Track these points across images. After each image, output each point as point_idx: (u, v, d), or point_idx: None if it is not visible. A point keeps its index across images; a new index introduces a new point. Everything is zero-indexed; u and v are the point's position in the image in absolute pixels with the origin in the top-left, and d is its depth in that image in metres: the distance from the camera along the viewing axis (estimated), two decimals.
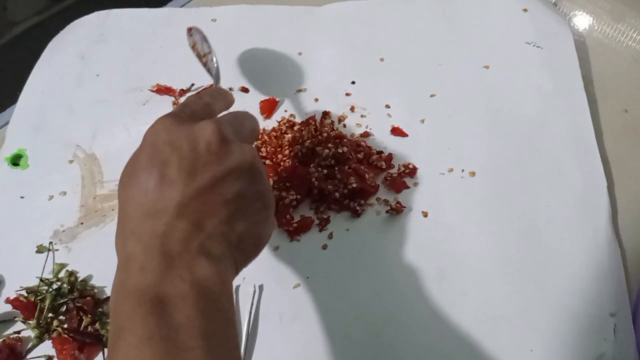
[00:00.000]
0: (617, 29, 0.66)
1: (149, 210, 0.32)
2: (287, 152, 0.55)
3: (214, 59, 0.51)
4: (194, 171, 0.33)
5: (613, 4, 0.68)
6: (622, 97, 0.60)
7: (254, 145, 0.41)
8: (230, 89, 0.63)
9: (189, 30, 0.56)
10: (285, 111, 0.60)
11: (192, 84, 0.63)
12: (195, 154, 0.33)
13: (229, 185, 0.34)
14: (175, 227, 0.32)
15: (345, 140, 0.55)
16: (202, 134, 0.34)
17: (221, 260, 0.33)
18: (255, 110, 0.61)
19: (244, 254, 0.35)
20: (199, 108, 0.39)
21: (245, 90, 0.63)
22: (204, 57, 0.54)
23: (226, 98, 0.43)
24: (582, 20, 0.68)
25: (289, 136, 0.56)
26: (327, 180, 0.53)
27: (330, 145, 0.54)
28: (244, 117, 0.40)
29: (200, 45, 0.55)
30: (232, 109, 0.43)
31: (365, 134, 0.58)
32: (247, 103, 0.61)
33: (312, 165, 0.54)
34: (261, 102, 0.61)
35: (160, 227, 0.32)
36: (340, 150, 0.53)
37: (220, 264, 0.33)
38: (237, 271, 0.35)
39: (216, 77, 0.50)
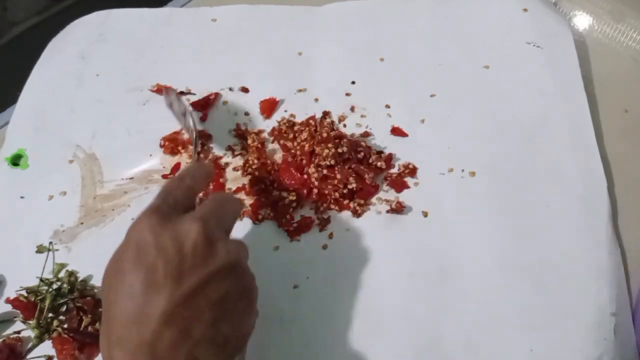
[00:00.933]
0: (617, 29, 0.66)
1: (135, 316, 0.32)
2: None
3: (191, 120, 0.51)
4: (180, 275, 0.33)
5: (613, 4, 0.68)
6: (622, 97, 0.60)
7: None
8: (230, 89, 0.63)
9: (165, 90, 0.56)
10: (285, 111, 0.60)
11: (190, 90, 0.63)
12: (181, 257, 0.33)
13: (215, 287, 0.34)
14: (162, 336, 0.32)
15: (345, 140, 0.55)
16: (188, 235, 0.34)
17: None
18: (255, 110, 0.61)
19: (229, 353, 0.35)
20: (182, 194, 0.38)
21: (245, 90, 0.62)
22: (183, 116, 0.53)
23: (207, 173, 0.42)
24: (582, 20, 0.68)
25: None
26: (326, 180, 0.53)
27: (330, 145, 0.54)
28: (226, 202, 0.39)
29: (177, 105, 0.55)
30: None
31: (365, 134, 0.58)
32: (247, 103, 0.61)
33: (311, 166, 0.54)
34: (261, 102, 0.61)
35: (147, 335, 0.31)
36: (340, 150, 0.53)
37: None
38: None
39: (195, 139, 0.50)
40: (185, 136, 0.59)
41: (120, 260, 0.34)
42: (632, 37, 0.65)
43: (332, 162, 0.53)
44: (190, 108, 0.51)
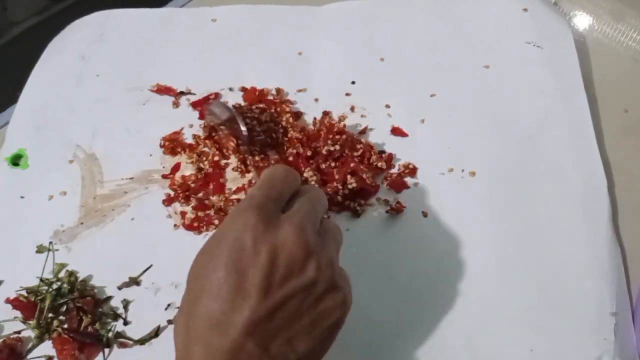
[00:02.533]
0: (617, 29, 0.66)
1: (218, 319, 0.32)
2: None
3: (242, 126, 0.50)
4: (269, 287, 0.32)
5: (613, 4, 0.68)
6: (622, 97, 0.60)
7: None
8: (231, 89, 0.63)
9: (208, 102, 0.56)
10: (286, 112, 0.60)
11: (190, 90, 0.63)
12: (273, 268, 0.32)
13: (300, 303, 0.33)
14: (242, 347, 0.31)
15: (344, 136, 0.55)
16: (284, 245, 0.33)
17: None
18: None
19: None
20: (286, 191, 0.37)
21: (245, 90, 0.62)
22: (229, 122, 0.52)
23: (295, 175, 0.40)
24: (582, 20, 0.68)
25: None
26: (325, 183, 0.53)
27: (329, 142, 0.54)
28: (319, 200, 0.38)
29: (221, 113, 0.54)
30: None
31: (363, 131, 0.58)
32: None
33: (308, 169, 0.53)
34: (244, 93, 0.62)
35: (227, 342, 0.31)
36: (332, 149, 0.54)
37: None
38: None
39: (247, 143, 0.49)
40: (187, 139, 0.59)
41: (213, 255, 0.33)
42: (632, 37, 0.65)
43: (330, 164, 0.53)
44: (236, 113, 0.51)
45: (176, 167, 0.57)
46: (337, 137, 0.55)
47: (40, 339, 0.47)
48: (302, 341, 0.33)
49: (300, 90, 0.62)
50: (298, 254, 0.33)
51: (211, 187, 0.56)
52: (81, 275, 0.51)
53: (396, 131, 0.58)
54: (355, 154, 0.55)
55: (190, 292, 0.34)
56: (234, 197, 0.55)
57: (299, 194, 0.38)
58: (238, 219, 0.34)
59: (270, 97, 0.61)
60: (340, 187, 0.53)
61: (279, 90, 0.62)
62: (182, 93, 0.63)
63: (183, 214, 0.54)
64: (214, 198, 0.55)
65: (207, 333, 0.32)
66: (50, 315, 0.48)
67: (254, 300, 0.32)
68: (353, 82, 0.62)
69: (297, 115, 0.59)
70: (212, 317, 0.32)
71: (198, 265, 0.34)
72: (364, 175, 0.53)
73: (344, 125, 0.58)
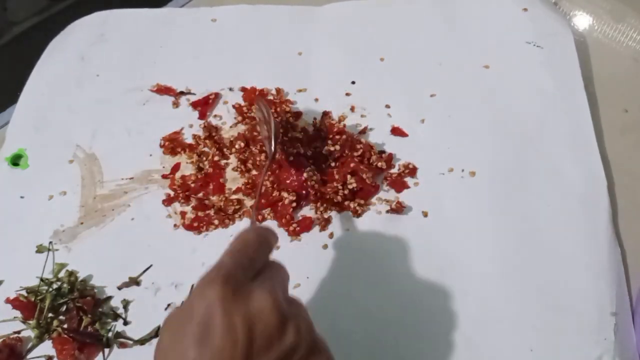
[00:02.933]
0: (617, 29, 0.66)
1: None
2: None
3: (273, 128, 0.49)
4: (247, 359, 0.30)
5: (613, 4, 0.68)
6: (622, 97, 0.60)
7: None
8: (230, 89, 0.63)
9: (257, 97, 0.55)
10: (286, 112, 0.60)
11: (190, 90, 0.63)
12: (251, 340, 0.30)
13: None
14: None
15: (344, 137, 0.55)
16: (260, 315, 0.31)
17: None
18: None
19: None
20: (259, 258, 0.35)
21: (245, 90, 0.62)
22: (265, 124, 0.52)
23: (275, 239, 0.38)
24: (582, 20, 0.68)
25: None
26: (326, 179, 0.53)
27: (329, 142, 0.54)
28: (280, 269, 0.36)
29: (262, 111, 0.53)
30: None
31: (363, 131, 0.58)
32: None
33: (308, 169, 0.53)
34: (243, 93, 0.62)
35: None
36: (332, 149, 0.54)
37: None
38: None
39: (273, 147, 0.49)
40: (187, 139, 0.59)
41: (183, 333, 0.30)
42: (632, 37, 0.65)
43: (329, 164, 0.54)
44: (271, 117, 0.50)
45: (176, 167, 0.57)
46: (337, 137, 0.56)
47: (40, 339, 0.47)
48: None
49: (300, 90, 0.62)
50: (275, 321, 0.31)
51: (211, 187, 0.56)
52: (81, 275, 0.51)
53: (396, 131, 0.58)
54: (355, 154, 0.55)
55: None
56: (233, 197, 0.55)
57: (265, 266, 0.36)
58: (206, 291, 0.31)
59: (270, 97, 0.61)
60: (340, 187, 0.53)
61: (278, 90, 0.62)
62: (182, 93, 0.63)
63: (183, 214, 0.54)
64: (213, 198, 0.55)
65: None
66: (50, 315, 0.48)
67: None
68: (353, 82, 0.62)
69: (297, 115, 0.59)
70: None
71: (165, 343, 0.32)
72: (364, 176, 0.53)
73: (344, 126, 0.58)
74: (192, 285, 0.50)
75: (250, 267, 0.34)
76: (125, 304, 0.49)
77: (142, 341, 0.47)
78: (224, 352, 0.29)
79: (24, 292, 0.49)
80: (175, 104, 0.62)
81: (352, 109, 0.60)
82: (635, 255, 0.50)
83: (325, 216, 0.53)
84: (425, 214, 0.52)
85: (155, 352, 0.32)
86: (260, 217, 0.53)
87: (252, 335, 0.30)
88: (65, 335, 0.47)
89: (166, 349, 0.31)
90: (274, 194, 0.53)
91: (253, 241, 0.35)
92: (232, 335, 0.30)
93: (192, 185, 0.56)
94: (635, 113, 0.59)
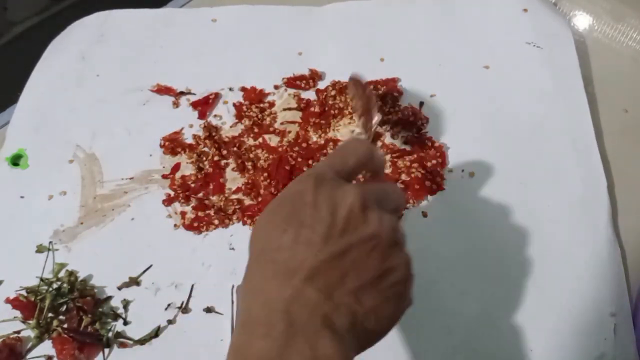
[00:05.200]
0: (617, 29, 0.66)
1: (279, 268, 0.32)
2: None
3: (376, 108, 0.49)
4: (329, 236, 0.32)
5: (613, 4, 0.68)
6: (622, 97, 0.60)
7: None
8: (231, 89, 0.63)
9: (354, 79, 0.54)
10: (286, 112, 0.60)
11: (190, 90, 0.63)
12: (333, 219, 0.32)
13: (363, 255, 0.32)
14: (302, 293, 0.31)
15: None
16: (344, 199, 0.33)
17: (344, 337, 0.31)
18: None
19: (367, 332, 0.33)
20: (352, 164, 0.37)
21: (245, 90, 0.62)
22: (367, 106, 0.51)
23: (378, 159, 0.40)
24: (582, 20, 0.68)
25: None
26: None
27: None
28: (392, 191, 0.37)
29: (360, 93, 0.53)
30: None
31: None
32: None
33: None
34: (244, 92, 0.62)
35: (287, 290, 0.31)
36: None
37: (343, 342, 0.31)
38: (357, 352, 0.33)
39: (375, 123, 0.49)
40: (187, 139, 0.59)
41: (275, 214, 0.34)
42: (632, 37, 0.65)
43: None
44: (374, 98, 0.51)
45: (176, 167, 0.57)
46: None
47: (39, 339, 0.47)
48: (369, 296, 0.32)
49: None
50: (357, 206, 0.33)
51: (211, 187, 0.56)
52: (81, 275, 0.51)
53: None
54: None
55: (253, 250, 0.34)
56: (233, 197, 0.55)
57: (375, 183, 0.38)
58: (299, 182, 0.35)
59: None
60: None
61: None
62: (182, 93, 0.63)
63: (183, 214, 0.54)
64: (213, 198, 0.55)
65: (267, 283, 0.32)
66: (50, 315, 0.48)
67: (315, 248, 0.31)
68: None
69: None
70: (273, 267, 0.32)
71: (260, 226, 0.35)
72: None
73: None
74: (192, 285, 0.50)
75: (343, 170, 0.36)
76: (125, 304, 0.49)
77: (142, 341, 0.47)
78: (307, 227, 0.32)
79: (23, 292, 0.49)
80: (175, 104, 0.62)
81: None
82: (635, 255, 0.50)
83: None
84: (425, 214, 0.52)
85: (250, 240, 0.35)
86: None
87: (335, 214, 0.32)
88: (65, 335, 0.47)
89: (259, 230, 0.34)
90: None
91: (350, 146, 0.38)
92: (317, 213, 0.32)
93: (192, 185, 0.56)
94: (635, 113, 0.59)
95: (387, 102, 0.58)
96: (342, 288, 0.31)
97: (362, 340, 0.33)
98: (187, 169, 0.57)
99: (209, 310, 0.49)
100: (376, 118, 0.48)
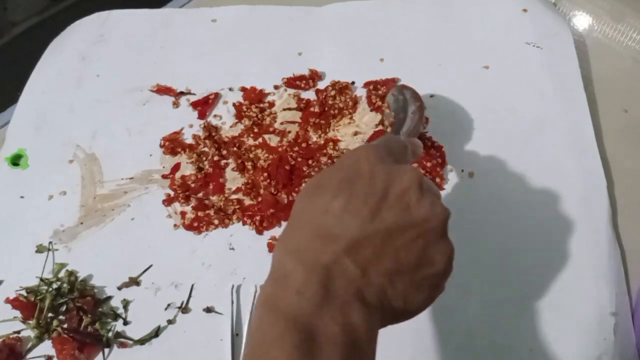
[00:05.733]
0: (617, 29, 0.66)
1: (322, 231, 0.31)
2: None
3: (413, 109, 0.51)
4: (378, 211, 0.31)
5: (613, 4, 0.68)
6: (622, 97, 0.60)
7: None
8: (230, 89, 0.63)
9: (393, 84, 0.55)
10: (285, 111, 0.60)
11: (190, 90, 0.63)
12: (386, 195, 0.32)
13: (407, 239, 0.31)
14: (340, 262, 0.30)
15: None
16: (401, 178, 0.32)
17: (373, 311, 0.31)
18: None
19: (394, 311, 0.32)
20: (400, 150, 0.38)
21: (245, 90, 0.62)
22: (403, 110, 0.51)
23: (419, 150, 0.42)
24: (582, 20, 0.68)
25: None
26: None
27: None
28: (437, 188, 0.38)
29: (400, 98, 0.53)
30: None
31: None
32: None
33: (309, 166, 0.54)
34: (244, 92, 0.62)
35: (326, 255, 0.30)
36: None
37: (372, 314, 0.31)
38: (382, 326, 0.33)
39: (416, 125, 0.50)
40: (187, 139, 0.59)
41: (328, 178, 0.33)
42: (632, 37, 0.65)
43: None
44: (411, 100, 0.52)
45: (176, 167, 0.57)
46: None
47: (39, 339, 0.47)
48: (403, 281, 0.32)
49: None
50: (413, 187, 0.32)
51: (211, 187, 0.56)
52: (81, 275, 0.51)
53: None
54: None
55: (297, 209, 0.34)
56: (233, 196, 0.55)
57: None
58: (357, 151, 0.34)
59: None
60: None
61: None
62: (182, 93, 0.63)
63: (183, 214, 0.54)
64: (213, 198, 0.55)
65: (307, 243, 0.31)
66: (50, 315, 0.48)
67: (361, 219, 0.31)
68: (353, 83, 0.62)
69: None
70: (317, 228, 0.31)
71: (310, 187, 0.34)
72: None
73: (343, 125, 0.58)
74: (192, 285, 0.50)
75: (392, 155, 0.36)
76: (125, 303, 0.49)
77: (142, 341, 0.47)
78: (359, 197, 0.31)
79: (23, 292, 0.49)
80: (175, 104, 0.62)
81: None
82: (634, 255, 0.50)
83: None
84: None
85: (296, 200, 0.34)
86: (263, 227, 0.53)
87: (389, 190, 0.32)
88: (65, 335, 0.47)
89: (308, 190, 0.34)
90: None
91: (396, 139, 0.39)
92: (372, 185, 0.32)
93: (192, 185, 0.56)
94: (635, 113, 0.59)
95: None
96: (379, 267, 0.31)
97: (388, 317, 0.33)
98: (187, 169, 0.57)
99: (208, 310, 0.49)
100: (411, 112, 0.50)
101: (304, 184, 0.34)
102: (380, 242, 0.31)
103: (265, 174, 0.55)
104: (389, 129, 0.51)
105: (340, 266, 0.30)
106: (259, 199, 0.54)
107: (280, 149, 0.57)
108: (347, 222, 0.31)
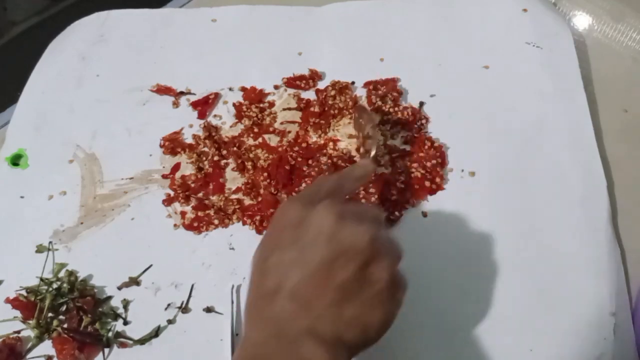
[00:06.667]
0: (616, 29, 0.66)
1: (265, 288, 0.34)
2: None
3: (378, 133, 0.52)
4: (304, 252, 0.34)
5: (613, 4, 0.68)
6: (622, 97, 0.60)
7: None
8: (230, 89, 0.63)
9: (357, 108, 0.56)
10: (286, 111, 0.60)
11: (189, 90, 0.63)
12: (309, 235, 0.34)
13: (340, 267, 0.33)
14: (287, 309, 0.33)
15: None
16: (317, 216, 0.35)
17: (331, 344, 0.33)
18: None
19: (356, 340, 0.34)
20: (328, 186, 0.39)
21: (245, 90, 0.62)
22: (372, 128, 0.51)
23: (363, 174, 0.42)
24: (582, 20, 0.68)
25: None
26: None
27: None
28: (369, 208, 0.40)
29: (365, 119, 0.53)
30: None
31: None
32: None
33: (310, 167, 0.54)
34: (244, 92, 0.62)
35: (275, 307, 0.34)
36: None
37: (331, 348, 0.33)
38: (351, 356, 0.34)
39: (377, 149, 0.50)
40: (187, 139, 0.59)
41: (264, 240, 0.38)
42: (632, 37, 0.65)
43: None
44: (377, 121, 0.54)
45: (176, 167, 0.57)
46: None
47: (39, 339, 0.47)
48: (352, 306, 0.34)
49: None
50: (331, 222, 0.34)
51: (211, 187, 0.56)
52: (81, 275, 0.51)
53: None
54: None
55: (251, 273, 0.37)
56: (233, 196, 0.55)
57: (355, 202, 0.41)
58: (281, 209, 0.38)
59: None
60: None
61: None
62: (182, 93, 0.63)
63: (183, 213, 0.54)
64: (213, 198, 0.55)
65: (257, 305, 0.35)
66: (50, 315, 0.48)
67: (295, 265, 0.34)
68: (353, 83, 0.62)
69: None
70: (260, 291, 0.35)
71: (256, 251, 0.37)
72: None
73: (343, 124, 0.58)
74: (192, 285, 0.50)
75: (321, 193, 0.38)
76: (125, 303, 0.49)
77: (142, 341, 0.47)
78: (286, 248, 0.35)
79: (23, 292, 0.49)
80: (175, 104, 0.62)
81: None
82: (634, 255, 0.50)
83: None
84: (425, 214, 0.52)
85: (252, 260, 0.37)
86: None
87: (309, 230, 0.35)
88: (65, 335, 0.46)
89: (254, 258, 0.37)
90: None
91: (327, 176, 0.43)
92: (295, 232, 0.35)
93: (192, 185, 0.56)
94: (635, 113, 0.59)
95: (387, 102, 0.58)
96: (323, 300, 0.33)
97: (353, 346, 0.34)
98: (187, 169, 0.57)
99: (208, 310, 0.49)
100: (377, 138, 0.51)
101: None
102: (317, 278, 0.33)
103: (265, 174, 0.55)
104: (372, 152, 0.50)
105: (287, 312, 0.33)
106: (259, 198, 0.54)
107: (280, 149, 0.57)
108: (284, 273, 0.34)
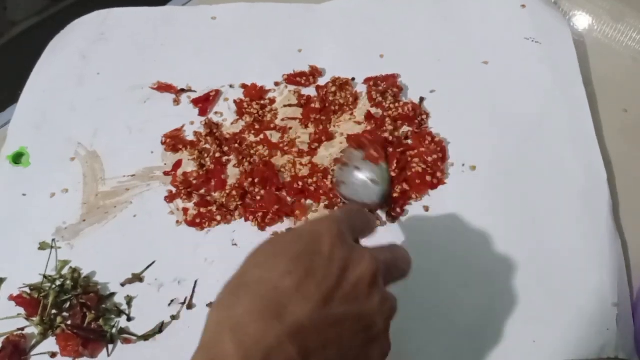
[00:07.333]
0: (616, 28, 0.67)
1: (268, 309, 0.29)
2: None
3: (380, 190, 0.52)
4: (330, 299, 0.30)
5: (613, 4, 0.68)
6: (622, 97, 0.60)
7: None
8: (231, 86, 0.63)
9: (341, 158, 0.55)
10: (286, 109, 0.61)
11: (190, 87, 0.63)
12: (341, 282, 0.31)
13: (353, 331, 0.31)
14: (282, 348, 0.28)
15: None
16: (359, 265, 0.32)
17: None
18: None
19: None
20: (360, 224, 0.37)
21: (245, 87, 0.63)
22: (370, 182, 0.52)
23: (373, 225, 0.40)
24: (582, 20, 0.68)
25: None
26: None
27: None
28: (401, 259, 0.37)
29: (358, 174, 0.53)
30: None
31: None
32: None
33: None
34: (245, 89, 0.63)
35: (269, 338, 0.28)
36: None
37: None
38: None
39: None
40: (188, 136, 0.60)
41: (284, 248, 0.32)
42: (632, 37, 0.65)
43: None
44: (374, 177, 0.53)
45: (178, 164, 0.58)
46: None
47: (44, 335, 0.47)
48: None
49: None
50: (368, 279, 0.32)
51: (213, 183, 0.56)
52: (84, 272, 0.51)
53: None
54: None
55: (243, 272, 0.32)
56: (235, 193, 0.55)
57: (387, 247, 0.37)
58: (319, 223, 0.33)
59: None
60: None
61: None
62: (182, 90, 0.63)
63: (185, 210, 0.54)
64: (215, 194, 0.55)
65: (250, 322, 0.29)
66: (53, 311, 0.48)
67: (313, 305, 0.30)
68: (353, 79, 0.62)
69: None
70: (261, 306, 0.29)
71: (263, 251, 0.33)
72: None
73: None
74: (196, 281, 0.50)
75: (352, 230, 0.35)
76: (129, 300, 0.49)
77: (145, 337, 0.47)
78: (313, 278, 0.30)
79: (27, 289, 0.49)
80: (176, 102, 0.62)
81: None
82: (636, 246, 0.50)
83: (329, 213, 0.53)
84: (426, 209, 0.52)
85: (246, 260, 0.33)
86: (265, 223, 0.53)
87: (343, 278, 0.31)
88: (69, 332, 0.46)
89: (260, 257, 0.32)
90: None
91: (356, 210, 0.38)
92: (329, 268, 0.31)
93: (194, 181, 0.56)
94: (635, 113, 0.59)
95: (387, 98, 0.58)
96: (321, 356, 0.30)
97: None
98: (189, 166, 0.57)
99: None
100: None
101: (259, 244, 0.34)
102: (327, 331, 0.30)
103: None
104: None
105: (282, 351, 0.28)
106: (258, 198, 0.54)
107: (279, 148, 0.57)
108: (297, 304, 0.29)
